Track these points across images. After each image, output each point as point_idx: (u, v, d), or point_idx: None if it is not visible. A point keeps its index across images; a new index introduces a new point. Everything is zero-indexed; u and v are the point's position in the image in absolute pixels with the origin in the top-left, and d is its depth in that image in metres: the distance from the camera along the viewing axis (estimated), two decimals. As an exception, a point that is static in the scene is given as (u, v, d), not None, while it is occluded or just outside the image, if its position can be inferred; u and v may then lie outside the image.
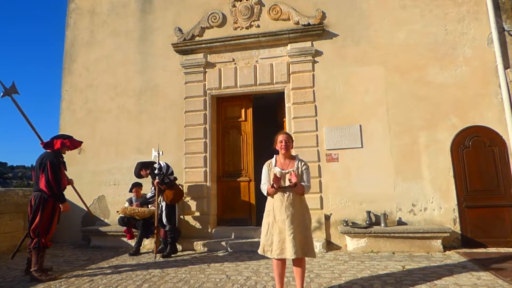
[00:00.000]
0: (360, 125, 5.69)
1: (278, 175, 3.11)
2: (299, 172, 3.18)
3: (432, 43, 5.63)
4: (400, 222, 5.35)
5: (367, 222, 5.29)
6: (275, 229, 3.06)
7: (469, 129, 5.34)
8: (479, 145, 5.31)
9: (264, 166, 3.32)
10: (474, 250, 4.89)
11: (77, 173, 6.32)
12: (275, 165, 3.25)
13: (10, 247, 5.79)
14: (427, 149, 5.44)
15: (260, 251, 3.15)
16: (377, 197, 5.47)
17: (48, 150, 4.37)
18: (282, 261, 3.12)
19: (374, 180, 5.51)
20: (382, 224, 5.18)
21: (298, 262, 3.09)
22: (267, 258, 3.20)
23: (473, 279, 3.55)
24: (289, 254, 2.94)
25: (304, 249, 3.01)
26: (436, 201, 5.31)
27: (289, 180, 3.05)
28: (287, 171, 3.16)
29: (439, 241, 4.93)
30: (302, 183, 3.15)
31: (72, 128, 6.69)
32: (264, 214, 3.23)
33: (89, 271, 4.48)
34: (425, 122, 5.49)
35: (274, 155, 3.37)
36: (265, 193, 3.22)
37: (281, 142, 3.26)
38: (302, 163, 3.26)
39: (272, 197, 3.17)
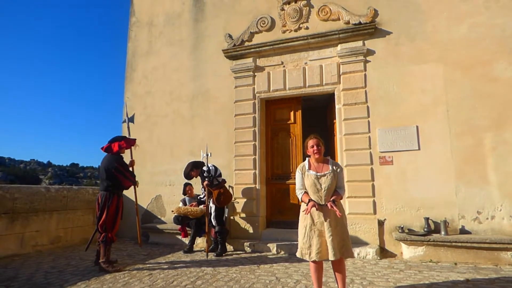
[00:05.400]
0: (417, 126, 5.38)
1: (313, 178, 3.14)
2: (334, 175, 3.16)
3: (498, 36, 5.13)
4: (463, 231, 4.95)
5: (425, 229, 4.97)
6: (314, 232, 3.07)
7: (545, 129, 4.78)
8: (559, 147, 4.73)
9: (297, 170, 3.32)
10: (553, 265, 4.36)
11: (136, 174, 6.72)
12: (309, 169, 3.23)
13: (82, 240, 6.44)
14: (493, 151, 4.97)
15: (298, 255, 3.16)
16: (436, 203, 5.12)
17: (109, 154, 4.78)
18: (320, 264, 3.14)
19: (432, 185, 5.17)
20: (443, 232, 4.84)
21: (338, 264, 3.10)
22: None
23: (551, 297, 3.19)
24: (330, 256, 2.96)
25: (342, 250, 3.04)
26: (505, 208, 4.83)
27: (330, 207, 3.01)
28: (322, 173, 3.16)
29: (510, 253, 4.47)
30: (338, 190, 3.17)
31: (133, 133, 7.16)
32: (300, 218, 3.23)
33: (148, 265, 4.81)
34: (491, 122, 5.02)
35: (307, 158, 3.36)
36: (300, 200, 3.24)
37: (313, 147, 3.23)
38: (337, 166, 3.24)
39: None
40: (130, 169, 5.01)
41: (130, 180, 4.76)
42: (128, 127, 5.37)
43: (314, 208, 3.07)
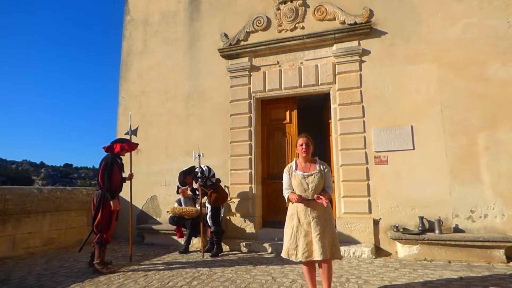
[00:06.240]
0: (412, 126, 5.42)
1: (300, 178, 3.15)
2: (322, 175, 3.16)
3: (492, 37, 5.19)
4: (457, 229, 5.00)
5: (420, 228, 5.01)
6: (300, 232, 3.06)
7: (537, 129, 4.85)
8: (550, 147, 4.79)
9: (284, 171, 3.32)
10: (545, 263, 4.43)
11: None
12: (296, 169, 3.23)
13: (76, 241, 6.37)
14: (487, 151, 5.03)
15: (283, 255, 3.14)
16: (431, 202, 5.17)
17: (108, 154, 4.75)
18: (311, 265, 3.14)
19: (427, 184, 5.21)
20: (437, 231, 4.88)
21: (326, 265, 3.08)
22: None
23: (544, 294, 3.23)
24: (317, 255, 2.94)
25: (332, 250, 3.03)
26: (498, 207, 4.89)
27: (317, 199, 3.02)
28: (309, 173, 3.16)
29: (502, 251, 4.53)
30: (326, 189, 3.17)
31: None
32: (287, 218, 3.23)
33: (143, 266, 4.78)
34: (485, 122, 5.08)
35: (295, 159, 3.38)
36: (287, 199, 3.24)
37: (301, 145, 3.24)
38: (324, 166, 3.24)
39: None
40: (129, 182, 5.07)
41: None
42: (131, 138, 5.30)
43: (300, 208, 3.09)
